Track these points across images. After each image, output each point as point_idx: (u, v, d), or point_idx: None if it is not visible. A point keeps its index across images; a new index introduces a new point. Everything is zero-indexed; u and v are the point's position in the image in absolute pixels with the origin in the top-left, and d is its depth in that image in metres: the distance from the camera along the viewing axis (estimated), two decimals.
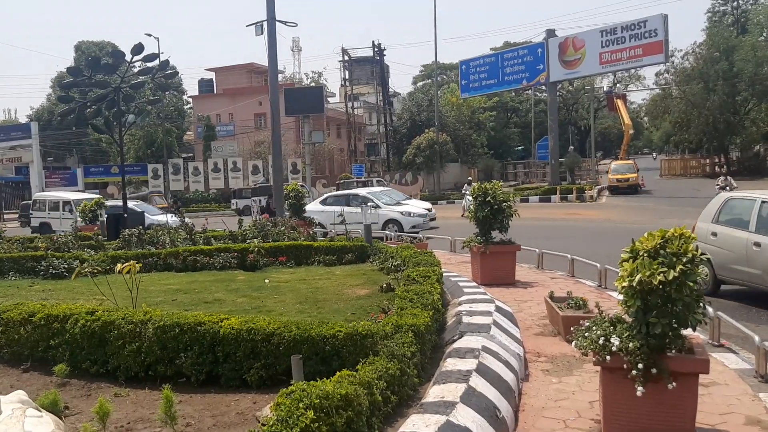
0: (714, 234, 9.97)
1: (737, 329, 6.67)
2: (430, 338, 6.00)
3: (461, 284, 9.48)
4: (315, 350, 5.02)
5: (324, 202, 22.67)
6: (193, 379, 5.40)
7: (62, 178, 54.89)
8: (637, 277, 4.25)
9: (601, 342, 4.44)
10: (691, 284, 4.21)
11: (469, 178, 41.25)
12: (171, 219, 24.26)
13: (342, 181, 45.23)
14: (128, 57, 19.24)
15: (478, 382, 4.90)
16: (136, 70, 20.61)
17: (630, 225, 21.42)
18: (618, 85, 69.66)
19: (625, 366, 4.32)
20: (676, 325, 4.33)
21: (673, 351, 4.37)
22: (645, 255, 4.35)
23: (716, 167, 52.27)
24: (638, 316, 4.39)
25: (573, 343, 4.75)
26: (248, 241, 13.18)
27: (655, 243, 4.35)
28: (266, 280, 9.99)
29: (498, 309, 7.52)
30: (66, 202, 28.20)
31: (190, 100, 72.30)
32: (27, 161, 55.65)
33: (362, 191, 24.20)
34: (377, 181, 46.32)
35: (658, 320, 4.26)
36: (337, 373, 4.07)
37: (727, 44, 47.46)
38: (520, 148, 74.89)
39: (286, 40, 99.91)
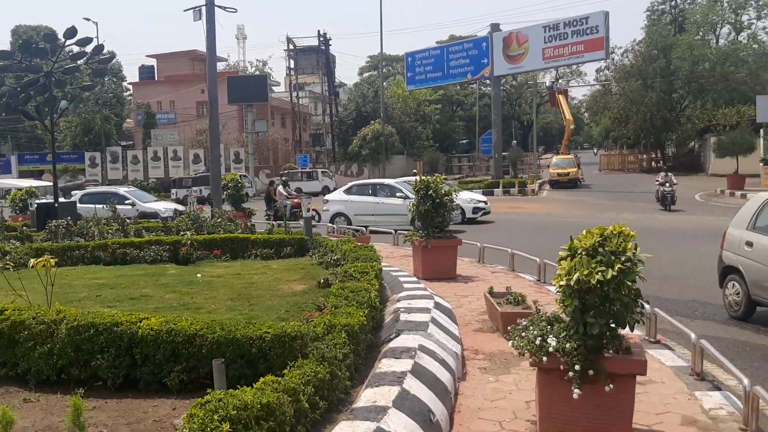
0: (749, 244, 8.06)
1: (673, 325, 6.66)
2: (365, 338, 5.77)
3: (401, 279, 9.30)
4: (240, 353, 4.73)
5: (349, 191, 20.46)
6: (109, 383, 5.04)
7: None
8: (575, 276, 4.10)
9: (537, 342, 4.29)
10: (630, 283, 4.09)
11: (414, 170, 41.27)
12: (163, 206, 23.77)
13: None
14: (62, 41, 18.38)
15: (413, 384, 4.71)
16: (72, 54, 19.61)
17: (570, 219, 21.70)
18: (560, 80, 70.70)
19: (562, 367, 4.18)
20: (613, 325, 4.21)
21: (611, 351, 4.25)
22: (583, 253, 4.21)
23: (653, 162, 53.88)
24: (576, 315, 4.25)
25: (510, 343, 4.60)
26: (182, 233, 12.70)
27: (594, 241, 4.21)
28: (198, 275, 9.60)
29: (437, 305, 7.36)
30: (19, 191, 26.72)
31: (130, 87, 70.20)
32: None
33: (390, 181, 22.16)
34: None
35: (596, 320, 4.13)
36: (261, 380, 3.80)
37: (665, 42, 48.81)
38: (464, 141, 75.55)
39: (230, 28, 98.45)
